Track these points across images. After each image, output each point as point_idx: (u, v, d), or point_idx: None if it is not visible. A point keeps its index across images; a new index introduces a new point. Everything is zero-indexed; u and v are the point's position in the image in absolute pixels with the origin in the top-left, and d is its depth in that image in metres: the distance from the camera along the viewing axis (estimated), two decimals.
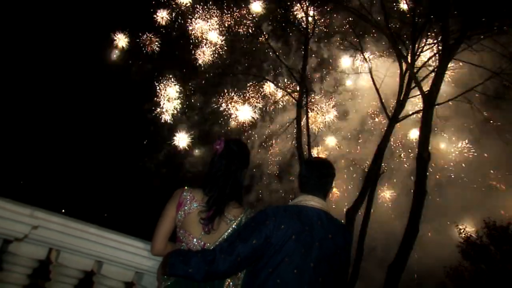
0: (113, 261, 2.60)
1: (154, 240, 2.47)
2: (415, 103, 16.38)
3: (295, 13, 16.79)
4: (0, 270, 2.48)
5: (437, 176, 20.73)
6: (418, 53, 14.03)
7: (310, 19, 16.02)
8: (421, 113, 12.73)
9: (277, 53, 17.36)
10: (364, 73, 16.89)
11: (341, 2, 14.79)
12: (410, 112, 15.10)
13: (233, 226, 2.42)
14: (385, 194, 21.61)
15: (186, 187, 2.49)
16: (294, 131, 16.08)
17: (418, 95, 13.18)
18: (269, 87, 18.90)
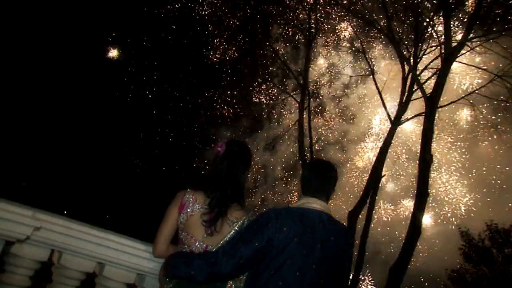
0: (115, 263, 2.60)
1: (156, 242, 2.47)
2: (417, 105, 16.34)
3: (299, 15, 16.69)
4: (2, 272, 2.48)
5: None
6: (420, 56, 14.01)
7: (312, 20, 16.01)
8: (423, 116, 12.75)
9: (279, 55, 17.27)
10: (368, 76, 16.83)
11: (344, 5, 14.78)
12: (412, 115, 15.08)
13: (235, 228, 2.42)
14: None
15: (188, 189, 2.49)
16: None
17: (421, 97, 13.15)
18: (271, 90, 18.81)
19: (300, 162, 15.43)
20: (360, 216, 13.36)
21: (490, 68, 12.73)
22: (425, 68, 13.85)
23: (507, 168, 20.00)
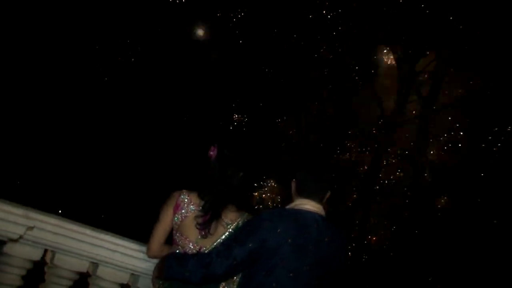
0: (108, 263, 2.59)
1: (151, 242, 2.46)
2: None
3: None
4: None
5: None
6: (417, 58, 14.01)
7: None
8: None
9: None
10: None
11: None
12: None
13: (230, 230, 2.41)
14: None
15: (184, 190, 2.48)
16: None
17: (417, 99, 13.19)
18: None
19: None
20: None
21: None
22: (422, 70, 13.86)
23: None
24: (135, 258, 2.62)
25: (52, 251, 2.52)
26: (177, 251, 2.40)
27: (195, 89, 13.91)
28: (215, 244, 2.37)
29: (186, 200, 2.43)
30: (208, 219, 2.36)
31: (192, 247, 2.37)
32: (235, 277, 2.38)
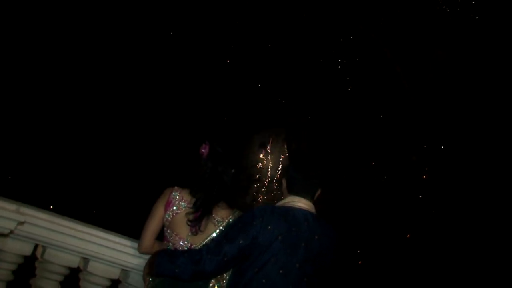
0: (99, 258, 2.58)
1: (142, 238, 2.46)
2: None
3: None
4: None
5: None
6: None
7: None
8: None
9: None
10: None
11: None
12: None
13: (221, 227, 2.41)
14: None
15: (175, 187, 2.48)
16: None
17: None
18: None
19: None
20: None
21: None
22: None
23: None
24: (126, 254, 2.61)
25: (43, 246, 2.51)
26: (168, 247, 2.40)
27: (188, 87, 13.89)
28: (205, 241, 2.36)
29: (177, 197, 2.42)
30: (199, 216, 2.36)
31: (182, 244, 2.37)
32: (224, 275, 2.37)
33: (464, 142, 12.42)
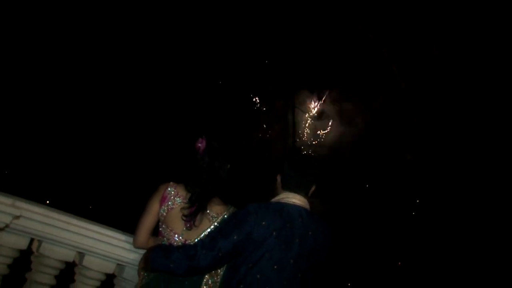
0: (94, 253, 2.57)
1: (137, 233, 2.46)
2: None
3: None
4: None
5: None
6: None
7: None
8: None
9: None
10: None
11: None
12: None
13: (215, 223, 2.41)
14: None
15: (171, 182, 2.47)
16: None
17: None
18: None
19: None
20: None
21: None
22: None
23: None
24: (121, 248, 2.61)
25: (38, 240, 2.50)
26: (163, 242, 2.40)
27: (183, 82, 13.89)
28: (200, 236, 2.36)
29: (172, 192, 2.42)
30: (194, 211, 2.36)
31: (177, 239, 2.37)
32: (219, 270, 2.38)
33: (460, 141, 12.47)
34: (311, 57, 14.45)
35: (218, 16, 13.83)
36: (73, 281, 2.69)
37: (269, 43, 14.44)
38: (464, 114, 12.16)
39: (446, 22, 11.84)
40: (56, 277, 2.60)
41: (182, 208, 2.37)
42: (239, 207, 2.42)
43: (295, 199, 2.39)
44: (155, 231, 2.49)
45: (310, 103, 15.45)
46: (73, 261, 2.63)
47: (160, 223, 2.44)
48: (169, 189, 2.43)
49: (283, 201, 2.39)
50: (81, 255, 2.61)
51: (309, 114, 15.42)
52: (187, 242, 2.35)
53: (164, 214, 2.40)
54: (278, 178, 2.52)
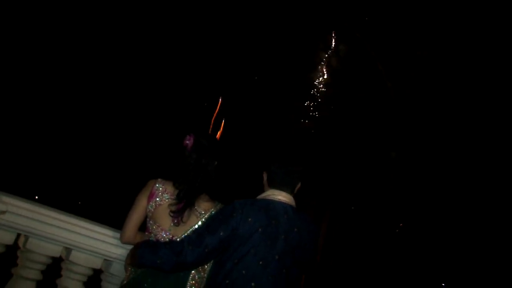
0: (81, 248, 2.55)
1: (124, 229, 2.44)
2: None
3: None
4: None
5: None
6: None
7: None
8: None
9: None
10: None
11: None
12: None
13: (203, 219, 2.40)
14: None
15: (159, 179, 2.46)
16: None
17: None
18: None
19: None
20: None
21: None
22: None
23: None
24: (109, 244, 2.59)
25: (25, 235, 2.47)
26: (150, 238, 2.39)
27: (170, 80, 13.87)
28: (187, 233, 2.36)
29: (161, 188, 2.41)
30: (181, 207, 2.35)
31: (164, 235, 2.36)
32: (205, 265, 2.37)
33: (445, 139, 12.59)
34: (298, 57, 14.49)
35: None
36: (60, 276, 2.67)
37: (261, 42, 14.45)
38: (449, 113, 12.27)
39: (431, 23, 11.94)
40: (42, 272, 2.57)
41: (170, 205, 2.36)
42: (227, 204, 2.42)
43: (281, 196, 2.40)
44: (142, 227, 2.48)
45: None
46: (60, 257, 2.60)
47: (147, 219, 2.43)
48: (157, 185, 2.42)
49: (269, 198, 2.39)
50: (68, 250, 2.58)
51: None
52: (174, 238, 2.34)
53: (152, 210, 2.38)
54: (265, 175, 2.52)
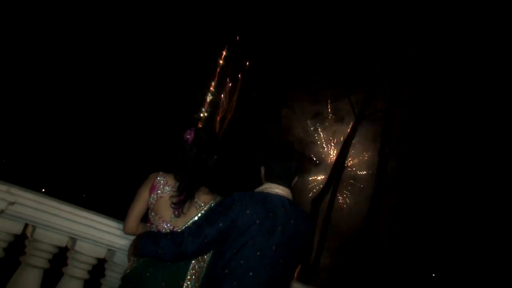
0: (86, 238, 2.58)
1: (127, 220, 2.47)
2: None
3: None
4: None
5: None
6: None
7: None
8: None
9: None
10: None
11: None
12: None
13: (203, 211, 2.43)
14: None
15: (160, 172, 2.48)
16: None
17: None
18: None
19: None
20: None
21: None
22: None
23: None
24: (112, 234, 2.62)
25: (32, 225, 2.50)
26: (152, 229, 2.41)
27: (169, 75, 13.87)
28: (188, 224, 2.38)
29: (162, 181, 2.43)
30: (182, 199, 2.38)
31: (166, 226, 2.38)
32: (205, 256, 2.40)
33: (439, 135, 12.61)
34: (293, 55, 14.48)
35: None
36: (66, 265, 2.70)
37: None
38: (443, 110, 12.29)
39: (424, 23, 11.93)
40: (49, 261, 2.60)
41: (171, 196, 2.38)
42: (226, 197, 2.44)
43: (278, 189, 2.42)
44: (144, 219, 2.50)
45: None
46: (66, 246, 2.63)
47: (149, 211, 2.45)
48: (158, 178, 2.44)
49: (266, 191, 2.42)
50: (73, 240, 2.61)
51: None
52: (175, 229, 2.37)
53: (154, 202, 2.41)
54: (262, 170, 2.55)
